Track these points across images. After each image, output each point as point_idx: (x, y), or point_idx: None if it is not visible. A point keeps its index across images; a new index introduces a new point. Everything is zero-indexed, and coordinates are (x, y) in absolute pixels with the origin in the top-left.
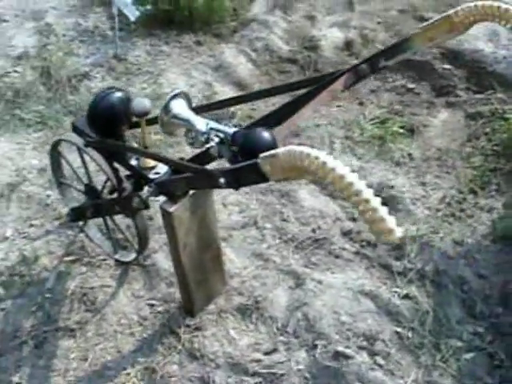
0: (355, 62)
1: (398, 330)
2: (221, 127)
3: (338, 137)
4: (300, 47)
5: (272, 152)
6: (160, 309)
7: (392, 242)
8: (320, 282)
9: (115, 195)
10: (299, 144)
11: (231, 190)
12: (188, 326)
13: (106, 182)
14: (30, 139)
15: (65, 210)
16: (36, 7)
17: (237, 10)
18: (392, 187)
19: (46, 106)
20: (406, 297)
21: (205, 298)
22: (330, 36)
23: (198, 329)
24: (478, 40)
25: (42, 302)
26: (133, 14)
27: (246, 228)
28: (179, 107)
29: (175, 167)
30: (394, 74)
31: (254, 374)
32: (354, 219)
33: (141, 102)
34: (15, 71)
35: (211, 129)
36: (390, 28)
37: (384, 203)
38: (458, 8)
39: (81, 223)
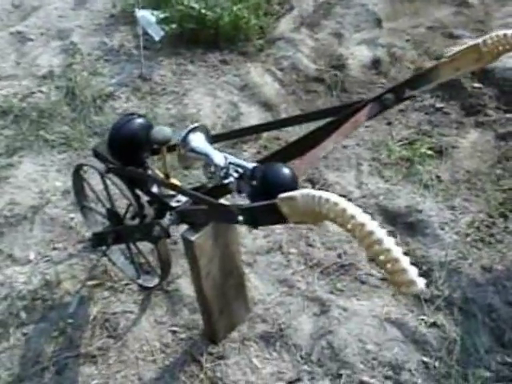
0: (383, 80)
1: (425, 359)
2: (240, 162)
3: (365, 159)
4: (327, 66)
5: (290, 194)
6: (183, 336)
7: (412, 293)
8: (345, 310)
9: (137, 221)
10: (326, 166)
11: None
12: (210, 353)
13: (128, 207)
14: (54, 161)
15: (88, 233)
16: (61, 26)
17: (263, 28)
18: (420, 211)
19: (71, 126)
20: (434, 325)
21: (228, 325)
22: (358, 54)
23: (220, 357)
24: (510, 57)
25: (64, 327)
26: (157, 33)
27: (270, 253)
28: (197, 141)
29: (194, 200)
30: (423, 93)
31: None
32: None
33: (161, 130)
34: (40, 91)
35: (230, 163)
36: (419, 46)
37: (411, 227)
38: (487, 37)
39: (104, 247)
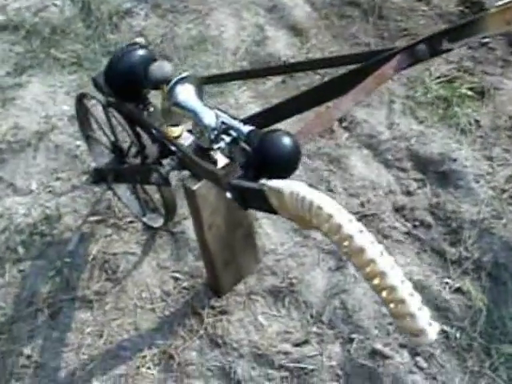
0: (424, 8)
1: (446, 328)
2: (234, 123)
3: (399, 96)
4: None
5: (278, 186)
6: (185, 284)
7: (420, 344)
8: None
9: (139, 160)
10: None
11: None
12: (213, 307)
13: (132, 143)
14: (63, 81)
15: (93, 165)
16: None
17: None
18: (454, 160)
19: (84, 45)
20: (458, 291)
21: (234, 277)
22: None
23: (223, 312)
24: None
25: (62, 267)
26: None
27: None
28: (185, 94)
29: (183, 159)
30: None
31: (281, 368)
32: (408, 193)
33: (161, 67)
34: (54, 5)
35: (222, 123)
36: None
37: (443, 176)
38: None
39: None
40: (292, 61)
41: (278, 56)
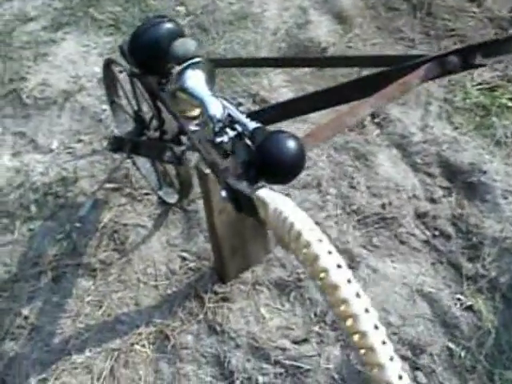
0: (475, 10)
1: (451, 346)
2: (240, 117)
3: (437, 98)
4: None
5: (266, 198)
6: (192, 265)
7: None
8: (375, 271)
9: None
10: None
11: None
12: (216, 293)
13: (153, 115)
14: (98, 43)
15: (116, 131)
16: None
17: None
18: (484, 172)
19: (124, 8)
20: (469, 309)
21: (241, 265)
22: None
23: (225, 299)
24: None
25: (71, 231)
26: None
27: (307, 189)
28: (194, 80)
29: (192, 142)
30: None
31: (276, 364)
32: (432, 200)
33: (184, 44)
34: None
35: (229, 116)
36: None
37: (470, 187)
38: None
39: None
40: (332, 49)
41: (318, 42)
